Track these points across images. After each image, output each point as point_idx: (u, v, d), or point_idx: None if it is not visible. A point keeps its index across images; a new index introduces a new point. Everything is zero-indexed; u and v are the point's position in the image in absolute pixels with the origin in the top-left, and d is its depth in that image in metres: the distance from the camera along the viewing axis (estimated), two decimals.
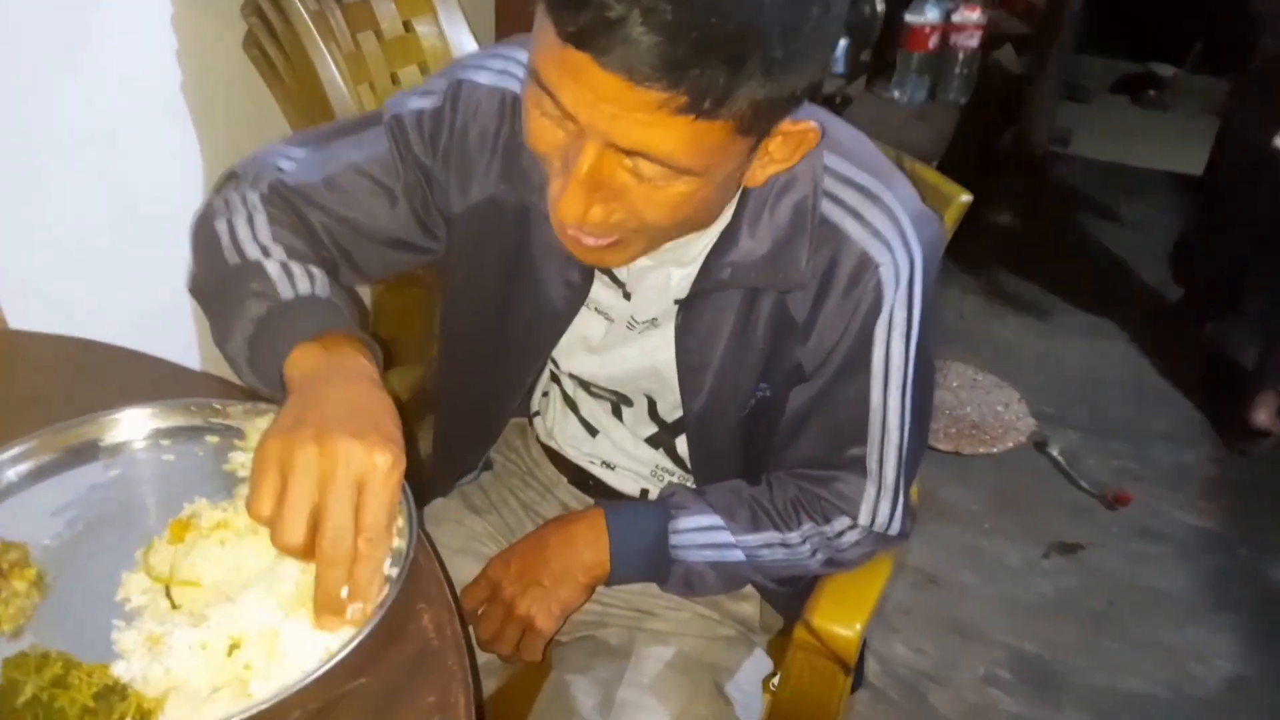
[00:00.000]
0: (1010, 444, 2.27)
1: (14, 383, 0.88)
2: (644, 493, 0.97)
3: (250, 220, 0.76)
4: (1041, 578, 1.92)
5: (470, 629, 0.87)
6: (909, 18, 2.86)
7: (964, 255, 3.07)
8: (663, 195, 0.63)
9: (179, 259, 0.80)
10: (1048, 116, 3.40)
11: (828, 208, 0.76)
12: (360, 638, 0.59)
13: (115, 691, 0.56)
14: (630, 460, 0.96)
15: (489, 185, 0.80)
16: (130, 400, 0.77)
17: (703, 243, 0.77)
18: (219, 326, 0.73)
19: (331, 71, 1.41)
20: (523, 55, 0.72)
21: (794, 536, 0.86)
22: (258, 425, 0.74)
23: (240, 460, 0.74)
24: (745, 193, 0.75)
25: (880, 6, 3.28)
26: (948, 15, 2.92)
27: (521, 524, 1.03)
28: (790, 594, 0.94)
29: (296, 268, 0.72)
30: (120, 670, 0.57)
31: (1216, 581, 1.92)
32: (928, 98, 2.95)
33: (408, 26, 1.61)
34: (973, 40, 2.91)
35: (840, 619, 0.86)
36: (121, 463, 0.74)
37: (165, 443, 0.76)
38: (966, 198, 1.05)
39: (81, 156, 1.33)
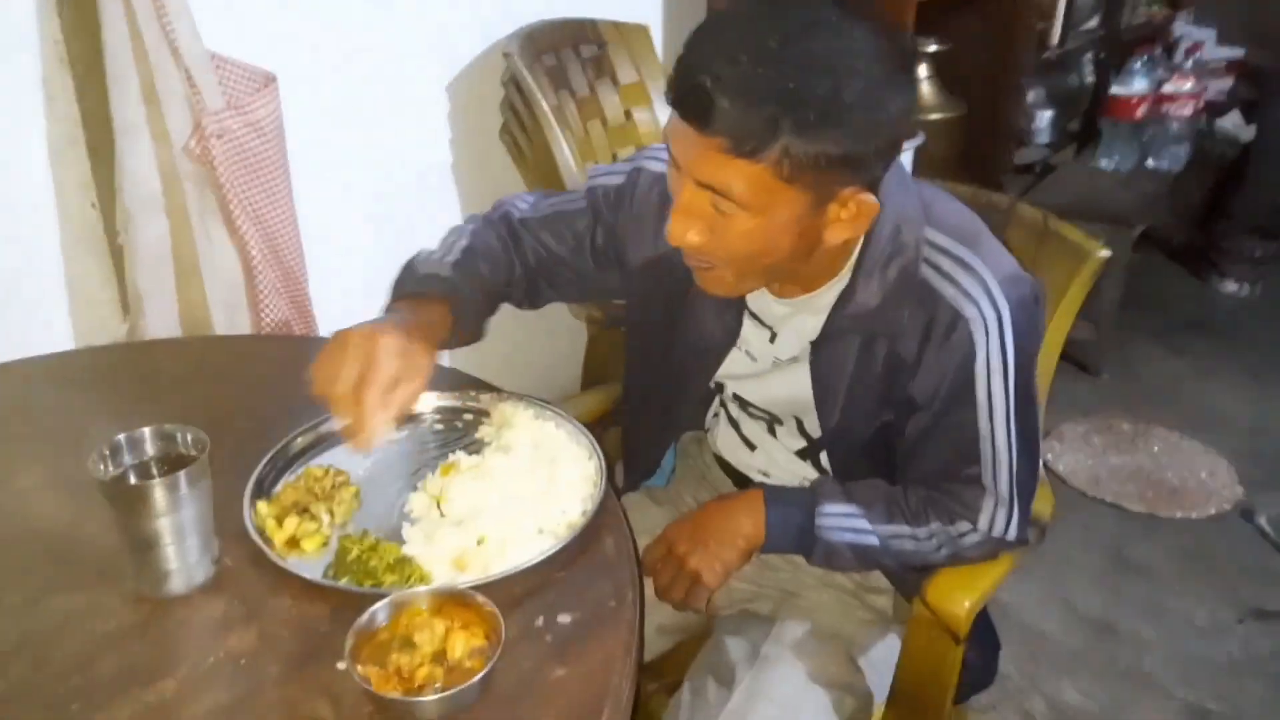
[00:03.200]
0: (1212, 510, 2.21)
1: None
2: None
3: (457, 237, 1.09)
4: (1231, 639, 1.88)
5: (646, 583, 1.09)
6: (1115, 89, 2.90)
7: (1180, 320, 3.00)
8: (736, 228, 0.85)
9: None
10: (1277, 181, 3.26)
11: (927, 272, 0.94)
12: (559, 547, 0.85)
13: (405, 561, 0.84)
14: (782, 471, 1.15)
15: (659, 247, 1.03)
16: None
17: (829, 296, 0.98)
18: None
19: (565, 154, 1.75)
20: None
21: (921, 532, 1.02)
22: (500, 408, 1.04)
23: (486, 431, 1.03)
24: (861, 258, 0.95)
25: (1090, 78, 3.31)
26: (1159, 85, 2.93)
27: None
28: (918, 581, 1.09)
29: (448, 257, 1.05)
30: (407, 549, 0.86)
31: None
32: (1136, 165, 2.95)
33: (628, 115, 1.95)
34: (1185, 109, 2.89)
35: (952, 597, 1.01)
36: (410, 426, 1.05)
37: (439, 416, 1.07)
38: (1104, 253, 1.17)
39: (370, 210, 1.77)
